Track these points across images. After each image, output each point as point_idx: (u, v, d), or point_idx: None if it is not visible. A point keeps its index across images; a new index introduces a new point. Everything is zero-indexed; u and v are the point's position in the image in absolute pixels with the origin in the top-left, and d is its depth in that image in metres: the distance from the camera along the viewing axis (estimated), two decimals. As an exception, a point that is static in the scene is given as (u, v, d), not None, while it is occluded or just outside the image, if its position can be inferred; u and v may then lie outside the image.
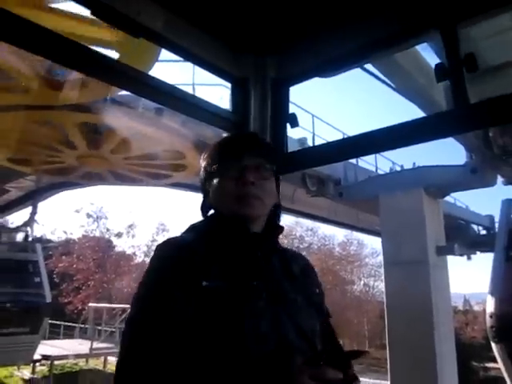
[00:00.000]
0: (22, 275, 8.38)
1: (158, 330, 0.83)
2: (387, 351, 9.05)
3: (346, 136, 11.68)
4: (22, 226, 9.64)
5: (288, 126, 1.90)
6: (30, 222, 9.22)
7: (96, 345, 11.43)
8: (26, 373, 10.56)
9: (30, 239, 9.32)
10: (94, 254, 22.54)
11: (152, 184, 9.08)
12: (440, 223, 9.69)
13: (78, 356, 10.95)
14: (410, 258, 9.04)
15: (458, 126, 1.57)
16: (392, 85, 6.43)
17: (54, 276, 21.70)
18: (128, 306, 13.33)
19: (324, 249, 23.46)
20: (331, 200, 10.64)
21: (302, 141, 9.02)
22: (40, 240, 29.01)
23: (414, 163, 10.13)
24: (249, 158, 1.02)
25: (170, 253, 0.94)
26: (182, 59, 1.78)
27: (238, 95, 1.89)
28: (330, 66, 1.83)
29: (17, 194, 9.50)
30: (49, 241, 25.98)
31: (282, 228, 1.09)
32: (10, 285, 8.11)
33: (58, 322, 15.24)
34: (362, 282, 22.68)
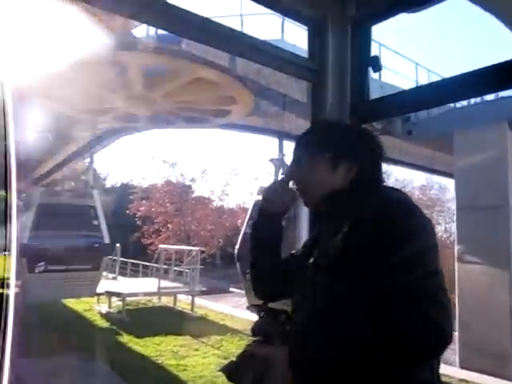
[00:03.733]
0: (83, 219, 9.01)
1: None
2: (456, 303, 8.36)
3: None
4: (80, 174, 10.13)
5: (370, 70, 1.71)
6: (87, 170, 9.58)
7: (166, 284, 12.03)
8: (104, 307, 11.46)
9: (89, 186, 9.69)
10: (172, 199, 23.53)
11: (203, 126, 8.87)
12: (527, 162, 8.38)
13: (146, 294, 11.64)
14: (487, 202, 8.03)
15: None
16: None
17: (136, 219, 23.17)
18: (192, 248, 13.79)
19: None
20: (400, 139, 9.66)
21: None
22: (126, 186, 31.04)
23: (497, 93, 8.72)
24: None
25: None
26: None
27: (314, 39, 1.72)
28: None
29: (77, 145, 9.82)
30: (134, 187, 27.61)
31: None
32: (73, 227, 8.79)
33: (137, 262, 16.30)
34: (443, 228, 21.24)
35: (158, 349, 8.43)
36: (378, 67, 1.68)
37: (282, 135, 7.31)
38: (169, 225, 23.14)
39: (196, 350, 8.55)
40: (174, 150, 49.80)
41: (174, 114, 8.30)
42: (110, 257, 14.49)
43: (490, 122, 7.97)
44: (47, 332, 7.81)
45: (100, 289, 10.64)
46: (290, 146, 8.10)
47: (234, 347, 8.81)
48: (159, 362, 7.73)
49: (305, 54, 1.82)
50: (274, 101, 7.75)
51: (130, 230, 23.91)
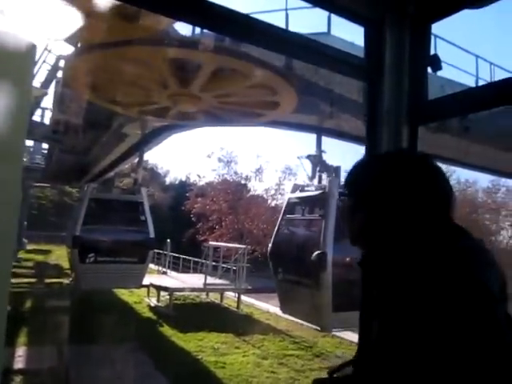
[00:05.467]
0: (131, 214, 9.43)
1: None
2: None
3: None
4: (130, 172, 10.54)
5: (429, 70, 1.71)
6: (137, 168, 9.92)
7: (213, 280, 12.17)
8: (154, 300, 11.80)
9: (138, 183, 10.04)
10: (226, 197, 23.85)
11: (247, 124, 8.83)
12: None
13: (193, 290, 11.87)
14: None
15: None
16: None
17: (192, 216, 23.72)
18: (238, 246, 13.83)
19: (460, 196, 21.04)
20: (457, 137, 9.08)
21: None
22: (184, 183, 32.09)
23: None
24: None
25: None
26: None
27: (371, 38, 1.72)
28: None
29: (126, 145, 10.14)
30: (190, 184, 28.42)
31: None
32: (121, 222, 9.20)
33: (189, 258, 16.71)
34: (510, 234, 19.76)
35: (200, 344, 8.51)
36: (437, 66, 1.64)
37: (320, 131, 7.10)
38: (223, 222, 23.47)
39: (237, 348, 8.54)
40: (229, 147, 50.63)
41: (218, 112, 8.32)
42: (161, 251, 14.98)
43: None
44: (96, 321, 8.13)
45: (147, 281, 10.98)
46: (328, 143, 7.89)
47: (275, 347, 8.72)
48: (199, 357, 7.80)
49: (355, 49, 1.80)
50: (321, 98, 7.55)
51: (186, 226, 24.57)
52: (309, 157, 7.42)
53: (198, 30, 6.52)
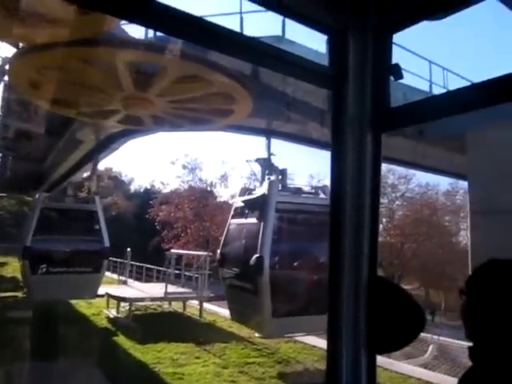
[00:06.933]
0: (84, 223, 9.14)
1: None
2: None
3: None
4: (84, 181, 10.23)
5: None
6: (91, 176, 9.62)
7: (174, 289, 11.90)
8: (113, 312, 11.41)
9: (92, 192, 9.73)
10: (191, 204, 23.49)
11: (204, 129, 8.65)
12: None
13: (153, 299, 11.55)
14: (507, 206, 7.47)
15: None
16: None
17: (156, 224, 23.26)
18: (200, 253, 13.58)
19: (421, 198, 21.52)
20: (411, 140, 9.23)
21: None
22: (148, 191, 31.41)
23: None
24: None
25: None
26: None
27: (335, 47, 1.72)
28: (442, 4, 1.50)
29: (82, 151, 9.79)
30: (155, 192, 27.93)
31: None
32: (75, 231, 8.88)
33: (151, 266, 16.34)
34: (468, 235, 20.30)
35: (158, 356, 8.26)
36: (399, 75, 1.62)
37: (270, 134, 7.04)
38: (188, 230, 23.10)
39: (197, 357, 8.33)
40: (193, 154, 50.01)
41: (172, 116, 8.13)
42: (123, 260, 14.56)
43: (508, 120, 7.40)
44: (49, 335, 7.73)
45: (105, 292, 10.62)
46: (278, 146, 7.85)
47: (237, 355, 8.56)
48: (156, 369, 7.56)
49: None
50: (277, 102, 7.50)
51: (151, 234, 24.05)
52: (258, 160, 7.35)
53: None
